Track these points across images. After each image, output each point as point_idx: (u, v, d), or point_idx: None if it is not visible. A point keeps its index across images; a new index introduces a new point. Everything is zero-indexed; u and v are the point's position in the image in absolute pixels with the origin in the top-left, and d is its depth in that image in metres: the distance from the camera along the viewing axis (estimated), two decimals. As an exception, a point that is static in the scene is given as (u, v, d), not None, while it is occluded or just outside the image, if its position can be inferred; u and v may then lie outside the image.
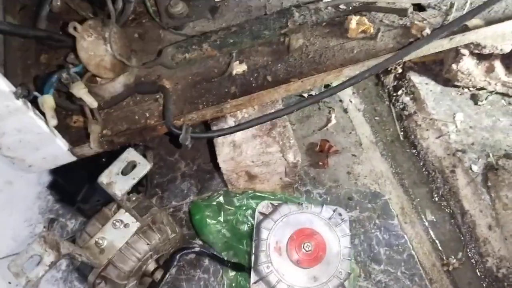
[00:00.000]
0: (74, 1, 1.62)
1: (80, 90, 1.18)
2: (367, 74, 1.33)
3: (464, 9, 1.52)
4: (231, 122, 1.46)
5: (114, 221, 1.32)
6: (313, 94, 1.95)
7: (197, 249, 1.53)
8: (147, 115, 1.41)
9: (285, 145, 1.41)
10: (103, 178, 1.17)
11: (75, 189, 1.67)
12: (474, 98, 1.90)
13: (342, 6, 1.50)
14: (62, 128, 1.42)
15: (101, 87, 1.42)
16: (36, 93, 1.14)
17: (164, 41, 1.59)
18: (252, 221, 1.56)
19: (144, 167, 1.19)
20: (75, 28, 1.28)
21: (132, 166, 1.20)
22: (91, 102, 1.18)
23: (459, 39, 1.48)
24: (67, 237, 1.69)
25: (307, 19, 1.39)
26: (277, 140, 1.42)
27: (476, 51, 1.73)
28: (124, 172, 1.19)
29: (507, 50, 1.69)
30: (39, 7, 1.47)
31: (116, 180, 1.17)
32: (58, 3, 1.59)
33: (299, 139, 1.89)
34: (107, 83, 1.42)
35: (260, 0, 1.62)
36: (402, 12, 1.39)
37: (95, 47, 1.31)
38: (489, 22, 1.47)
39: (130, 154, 1.20)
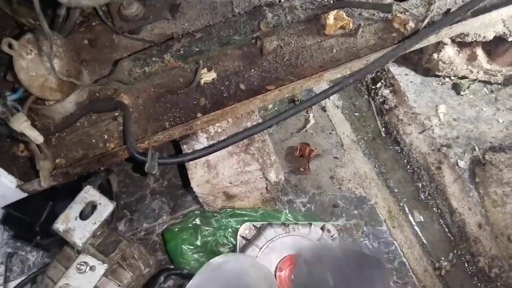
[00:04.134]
0: (11, 6, 1.39)
1: (21, 125, 0.98)
2: (351, 80, 1.20)
3: (447, -3, 1.41)
4: (202, 139, 1.30)
5: (78, 265, 1.15)
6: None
7: (185, 271, 1.39)
8: (106, 137, 1.24)
9: (265, 162, 1.27)
10: (59, 225, 1.01)
11: (32, 220, 1.48)
12: (456, 88, 1.82)
13: (318, 1, 1.35)
14: (8, 160, 1.23)
15: (50, 108, 1.23)
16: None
17: (119, 47, 1.40)
18: (233, 242, 1.43)
19: (106, 207, 1.03)
20: (10, 46, 1.07)
21: (92, 206, 1.04)
22: (36, 137, 0.99)
23: (446, 32, 1.36)
24: (28, 273, 1.52)
25: (281, 19, 1.23)
26: (256, 157, 1.28)
27: (459, 39, 1.63)
28: (84, 215, 1.03)
29: (490, 38, 1.59)
30: (-33, 17, 1.25)
31: (74, 227, 1.01)
32: (-10, 10, 1.36)
33: (277, 143, 1.75)
34: (56, 103, 1.22)
35: (226, -5, 1.44)
36: (386, 8, 1.26)
37: (36, 66, 1.10)
38: (475, 13, 1.36)
39: (89, 194, 1.04)
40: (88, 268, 1.16)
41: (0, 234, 1.57)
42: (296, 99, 1.82)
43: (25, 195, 1.22)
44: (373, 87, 1.91)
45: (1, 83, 1.27)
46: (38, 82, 1.12)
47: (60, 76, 1.10)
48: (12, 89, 1.22)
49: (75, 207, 1.03)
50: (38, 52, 1.10)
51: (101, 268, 1.16)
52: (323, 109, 1.85)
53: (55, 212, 1.55)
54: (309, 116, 1.79)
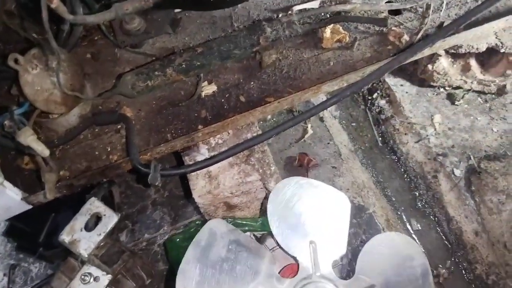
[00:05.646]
0: (13, 21, 1.42)
1: (27, 138, 1.01)
2: (348, 92, 1.24)
3: (441, 10, 1.45)
4: (204, 150, 1.33)
5: (83, 276, 1.17)
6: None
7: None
8: (109, 149, 1.26)
9: (265, 172, 1.30)
10: (65, 236, 1.03)
11: (35, 232, 1.49)
12: (451, 98, 1.85)
13: (316, 16, 1.39)
14: (13, 173, 1.25)
15: (54, 122, 1.25)
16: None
17: (121, 61, 1.43)
18: (234, 252, 1.45)
19: (110, 219, 1.05)
20: (16, 61, 1.10)
21: (96, 218, 1.06)
22: (42, 151, 1.02)
23: (440, 45, 1.40)
24: (31, 284, 1.53)
25: (280, 34, 1.26)
26: (257, 167, 1.30)
27: (452, 51, 1.67)
28: (89, 227, 1.05)
29: (483, 49, 1.63)
30: (-29, 33, 1.28)
31: (80, 238, 1.03)
32: (-5, 26, 1.39)
33: (276, 153, 1.78)
34: (60, 117, 1.25)
35: (225, 10, 1.48)
36: (381, 22, 1.29)
37: (41, 80, 1.13)
38: (468, 26, 1.40)
39: (93, 205, 1.06)
40: (92, 279, 1.18)
41: (3, 246, 1.58)
42: (294, 110, 1.85)
43: (29, 207, 1.23)
44: (369, 97, 1.95)
45: (6, 97, 1.30)
46: (43, 96, 1.15)
47: (65, 90, 1.12)
48: (17, 103, 1.24)
49: (80, 219, 1.05)
50: (43, 67, 1.13)
51: (104, 278, 1.18)
52: (321, 119, 1.88)
53: (57, 224, 1.57)
54: (307, 127, 1.82)
